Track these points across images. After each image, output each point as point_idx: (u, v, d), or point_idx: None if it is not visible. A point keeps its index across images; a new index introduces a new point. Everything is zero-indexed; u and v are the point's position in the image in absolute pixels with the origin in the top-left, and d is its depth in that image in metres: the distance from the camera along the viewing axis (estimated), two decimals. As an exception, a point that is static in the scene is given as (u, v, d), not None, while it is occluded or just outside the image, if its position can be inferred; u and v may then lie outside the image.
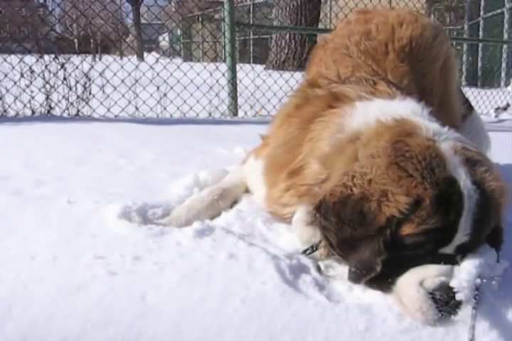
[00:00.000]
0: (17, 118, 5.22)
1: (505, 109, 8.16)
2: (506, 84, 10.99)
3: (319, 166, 1.99)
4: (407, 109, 2.07)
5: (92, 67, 5.85)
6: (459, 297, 1.61)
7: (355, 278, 1.75)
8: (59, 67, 5.65)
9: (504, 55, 10.92)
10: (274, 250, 1.95)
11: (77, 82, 5.71)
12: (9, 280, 1.75)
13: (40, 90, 5.54)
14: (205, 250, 1.91)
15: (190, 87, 6.29)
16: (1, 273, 1.79)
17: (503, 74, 11.20)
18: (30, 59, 5.64)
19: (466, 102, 3.36)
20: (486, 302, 1.67)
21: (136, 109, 5.88)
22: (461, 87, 4.05)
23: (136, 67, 6.15)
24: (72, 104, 5.68)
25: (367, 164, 1.76)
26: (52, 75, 5.63)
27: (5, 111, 5.46)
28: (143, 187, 2.63)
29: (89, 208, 2.27)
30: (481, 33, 13.03)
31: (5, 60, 5.52)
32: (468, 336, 1.53)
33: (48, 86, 5.62)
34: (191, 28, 18.94)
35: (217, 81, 6.48)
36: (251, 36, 18.87)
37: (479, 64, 13.01)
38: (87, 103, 5.74)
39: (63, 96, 5.65)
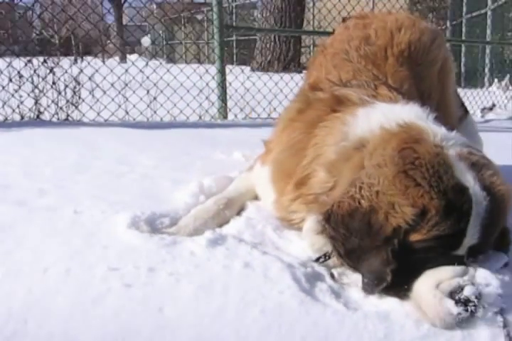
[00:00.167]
0: (6, 124, 5.14)
1: (491, 109, 8.27)
2: (490, 84, 11.14)
3: (325, 174, 2.00)
4: (410, 113, 2.06)
5: (82, 71, 5.79)
6: (486, 292, 1.61)
7: (368, 289, 1.76)
8: (48, 71, 5.58)
9: (488, 56, 11.05)
10: (288, 258, 1.95)
11: (66, 86, 5.65)
12: (22, 295, 1.72)
13: (28, 95, 5.46)
14: (219, 260, 1.90)
15: (180, 90, 6.26)
16: (14, 287, 1.76)
17: (488, 75, 11.34)
18: (18, 63, 5.56)
19: (463, 105, 3.40)
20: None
21: (126, 113, 5.84)
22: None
23: (126, 70, 6.11)
24: (61, 108, 5.62)
25: (374, 174, 1.76)
26: (41, 80, 5.55)
27: (-6, 116, 5.39)
28: (147, 195, 2.61)
29: (97, 218, 2.25)
30: (463, 34, 13.19)
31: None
32: None
33: (36, 90, 5.55)
34: (173, 29, 18.92)
35: (207, 84, 6.46)
36: (234, 37, 18.88)
37: (462, 64, 13.16)
38: (76, 107, 5.68)
39: (52, 101, 5.58)
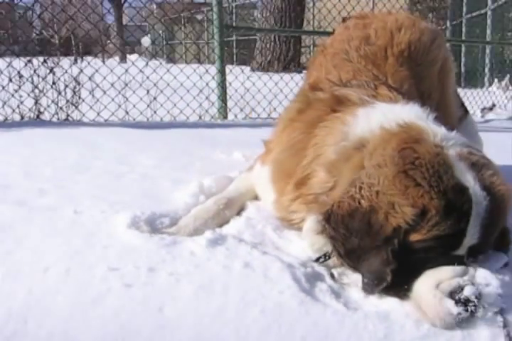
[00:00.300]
0: (6, 124, 5.14)
1: (491, 109, 8.27)
2: (490, 84, 11.14)
3: (325, 174, 2.00)
4: (410, 113, 2.06)
5: (82, 71, 5.79)
6: (486, 292, 1.60)
7: (368, 289, 1.76)
8: (48, 71, 5.58)
9: (488, 56, 11.04)
10: (288, 258, 1.95)
11: (66, 86, 5.65)
12: (23, 294, 1.72)
13: (28, 95, 5.46)
14: (219, 260, 1.90)
15: (180, 90, 6.26)
16: (14, 286, 1.76)
17: (488, 75, 11.33)
18: (18, 63, 5.56)
19: (463, 105, 3.40)
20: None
21: (126, 113, 5.84)
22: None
23: (126, 70, 6.11)
24: (61, 108, 5.61)
25: (374, 174, 1.76)
26: (41, 80, 5.55)
27: (-6, 116, 5.39)
28: (147, 195, 2.61)
29: (97, 218, 2.25)
30: (463, 34, 13.18)
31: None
32: None
33: (36, 90, 5.54)
34: (173, 29, 18.91)
35: (207, 84, 6.46)
36: (234, 37, 18.89)
37: (462, 64, 13.16)
38: (76, 107, 5.68)
39: (52, 101, 5.58)
